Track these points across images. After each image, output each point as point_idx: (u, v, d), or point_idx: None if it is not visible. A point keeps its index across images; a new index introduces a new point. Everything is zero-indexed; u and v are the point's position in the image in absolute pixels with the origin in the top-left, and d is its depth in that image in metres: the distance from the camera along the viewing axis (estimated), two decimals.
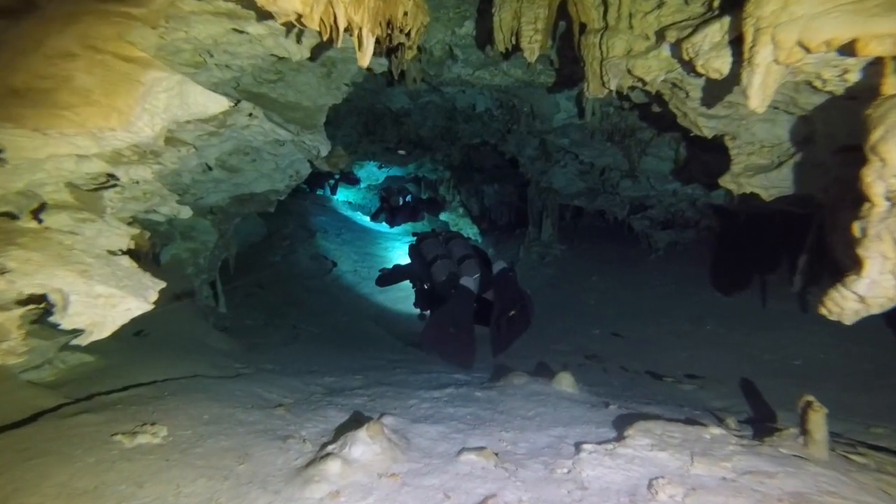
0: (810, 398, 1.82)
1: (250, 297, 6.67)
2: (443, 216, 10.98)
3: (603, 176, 6.47)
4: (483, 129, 7.44)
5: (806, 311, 4.38)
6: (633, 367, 4.07)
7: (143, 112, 1.60)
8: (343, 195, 12.53)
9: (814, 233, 3.97)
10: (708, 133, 2.68)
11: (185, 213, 3.13)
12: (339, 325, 6.62)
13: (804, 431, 1.81)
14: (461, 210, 10.77)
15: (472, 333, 2.40)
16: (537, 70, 4.64)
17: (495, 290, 2.54)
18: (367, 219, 11.77)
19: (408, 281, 3.27)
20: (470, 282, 2.51)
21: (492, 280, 2.59)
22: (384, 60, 3.85)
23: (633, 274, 6.31)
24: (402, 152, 7.43)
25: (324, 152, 3.99)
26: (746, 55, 1.67)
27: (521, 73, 4.73)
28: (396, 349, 5.29)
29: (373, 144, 7.86)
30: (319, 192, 11.77)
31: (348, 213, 11.84)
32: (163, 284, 2.00)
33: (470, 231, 10.66)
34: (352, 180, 12.03)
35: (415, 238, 3.15)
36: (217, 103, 2.01)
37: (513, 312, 2.43)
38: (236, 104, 3.22)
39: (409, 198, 11.53)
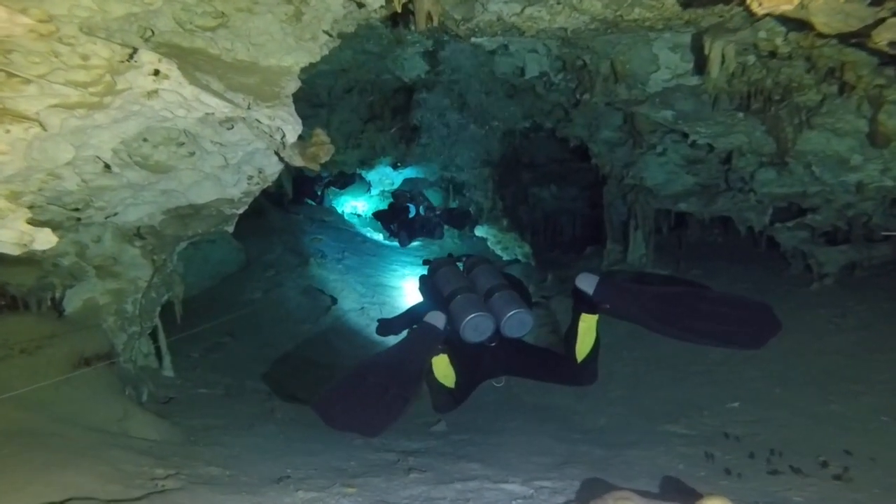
0: None
1: (214, 352, 6.12)
2: (480, 231, 10.36)
3: (728, 165, 5.79)
4: (535, 106, 6.85)
5: None
6: (813, 468, 3.28)
7: None
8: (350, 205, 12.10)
9: None
10: None
11: (45, 240, 2.33)
12: None
13: None
14: (505, 222, 10.19)
15: (410, 387, 2.16)
16: (628, 1, 3.70)
17: (606, 300, 2.39)
18: (380, 236, 11.41)
19: None
20: (438, 318, 2.34)
21: (593, 301, 2.43)
22: None
23: (784, 314, 5.18)
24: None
25: (291, 136, 3.18)
26: None
27: (601, 6, 3.87)
28: (412, 434, 4.52)
29: (381, 133, 7.26)
30: (310, 201, 11.34)
31: (354, 227, 11.54)
32: None
33: (518, 251, 10.15)
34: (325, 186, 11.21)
35: (427, 266, 2.92)
36: None
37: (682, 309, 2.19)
38: (131, 56, 2.37)
39: (422, 208, 11.02)
